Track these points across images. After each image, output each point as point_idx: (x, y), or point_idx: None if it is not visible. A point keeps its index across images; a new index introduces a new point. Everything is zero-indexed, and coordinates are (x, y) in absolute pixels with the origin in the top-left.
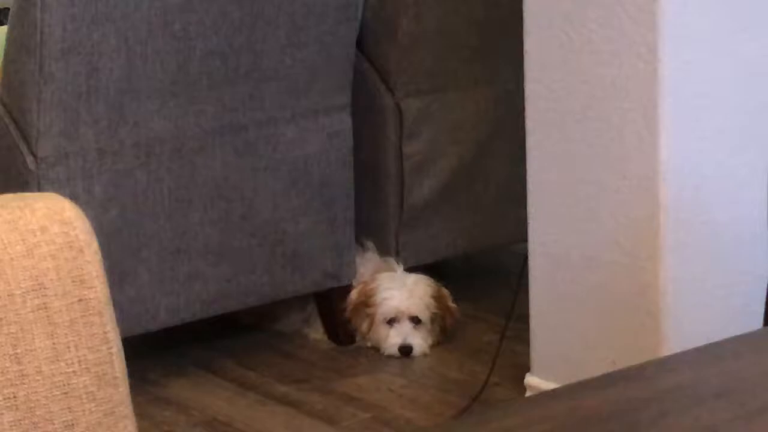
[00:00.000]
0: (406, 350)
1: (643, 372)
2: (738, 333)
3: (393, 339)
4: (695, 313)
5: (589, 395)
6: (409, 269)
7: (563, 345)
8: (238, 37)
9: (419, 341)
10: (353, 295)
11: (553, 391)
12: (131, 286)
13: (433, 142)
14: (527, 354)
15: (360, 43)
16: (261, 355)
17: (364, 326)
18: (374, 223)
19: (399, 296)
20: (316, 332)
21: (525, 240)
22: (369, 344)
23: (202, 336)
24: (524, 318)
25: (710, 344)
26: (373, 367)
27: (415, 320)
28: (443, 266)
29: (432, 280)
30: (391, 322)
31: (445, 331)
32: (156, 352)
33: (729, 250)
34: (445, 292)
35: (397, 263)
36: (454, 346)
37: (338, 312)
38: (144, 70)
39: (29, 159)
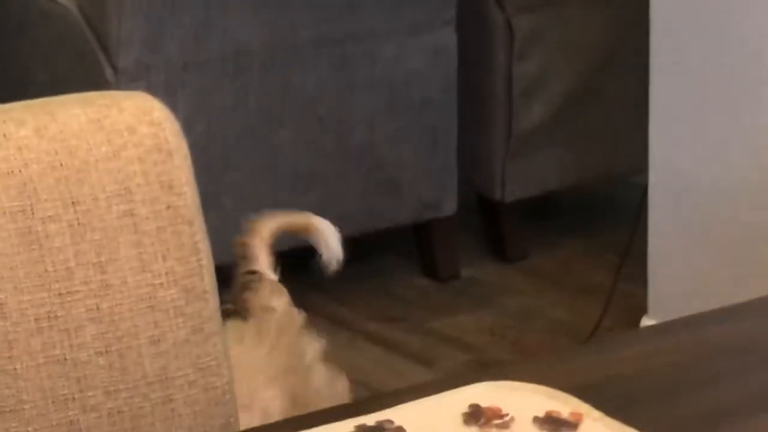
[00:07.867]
0: None
1: None
2: None
3: None
4: None
5: (719, 326)
6: (517, 201)
7: (685, 285)
8: None
9: None
10: None
11: (681, 320)
12: (214, 212)
13: (546, 63)
14: (643, 295)
15: None
16: (353, 290)
17: None
18: (478, 151)
19: None
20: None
21: (645, 170)
22: None
23: (290, 268)
24: (641, 256)
25: None
26: (474, 306)
27: None
28: (553, 199)
29: None
30: None
31: None
32: None
33: None
34: None
35: None
36: (563, 286)
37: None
38: None
39: (108, 71)
